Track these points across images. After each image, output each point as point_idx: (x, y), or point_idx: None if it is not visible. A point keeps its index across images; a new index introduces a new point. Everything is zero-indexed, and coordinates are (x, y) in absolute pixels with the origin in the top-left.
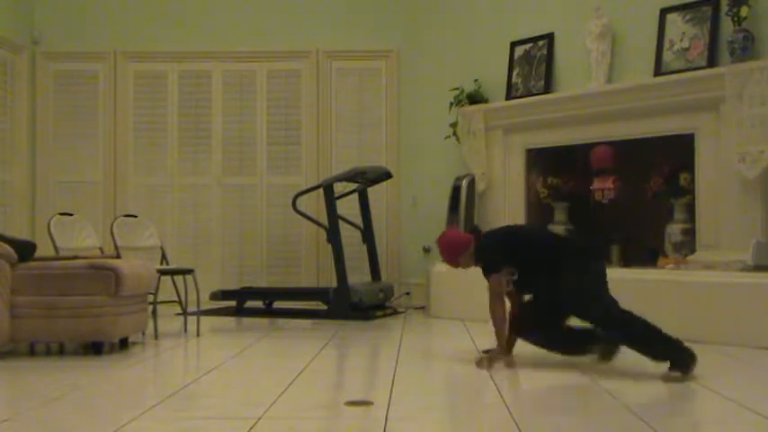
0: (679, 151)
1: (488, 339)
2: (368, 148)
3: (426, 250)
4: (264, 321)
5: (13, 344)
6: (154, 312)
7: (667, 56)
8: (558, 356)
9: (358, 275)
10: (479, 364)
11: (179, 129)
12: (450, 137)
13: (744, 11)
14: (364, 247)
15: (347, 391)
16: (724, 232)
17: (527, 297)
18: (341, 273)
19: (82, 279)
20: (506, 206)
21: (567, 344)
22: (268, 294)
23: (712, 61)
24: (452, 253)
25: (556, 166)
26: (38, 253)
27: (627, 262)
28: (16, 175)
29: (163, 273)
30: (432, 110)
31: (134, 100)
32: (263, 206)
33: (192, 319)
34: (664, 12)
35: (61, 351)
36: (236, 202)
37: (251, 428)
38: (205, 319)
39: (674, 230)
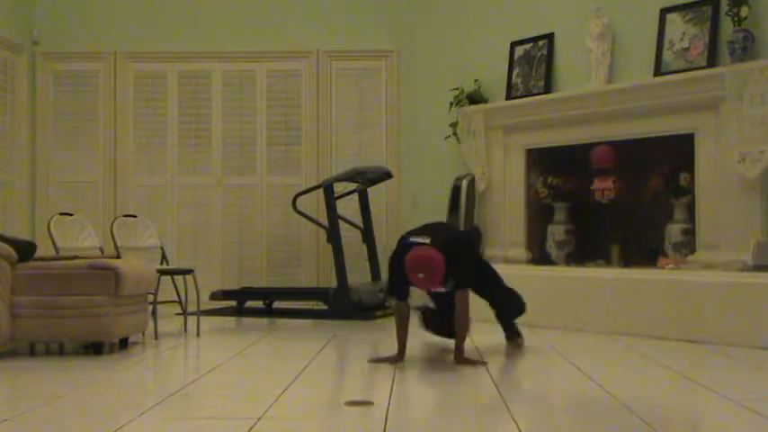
0: (679, 151)
1: (488, 339)
2: (368, 148)
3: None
4: (264, 321)
5: (13, 344)
6: (154, 312)
7: (667, 56)
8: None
9: (358, 275)
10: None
11: (179, 129)
12: (450, 137)
13: (744, 11)
14: (364, 247)
15: (347, 391)
16: (724, 232)
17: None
18: (341, 273)
19: (82, 279)
20: (506, 206)
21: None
22: (268, 294)
23: (712, 61)
24: (437, 274)
25: (556, 166)
26: (38, 253)
27: (627, 262)
28: (16, 176)
29: (163, 273)
30: (432, 110)
31: (134, 100)
32: (263, 206)
33: (192, 319)
34: (664, 12)
35: (61, 351)
36: (236, 202)
37: (251, 428)
38: (205, 319)
39: (674, 230)
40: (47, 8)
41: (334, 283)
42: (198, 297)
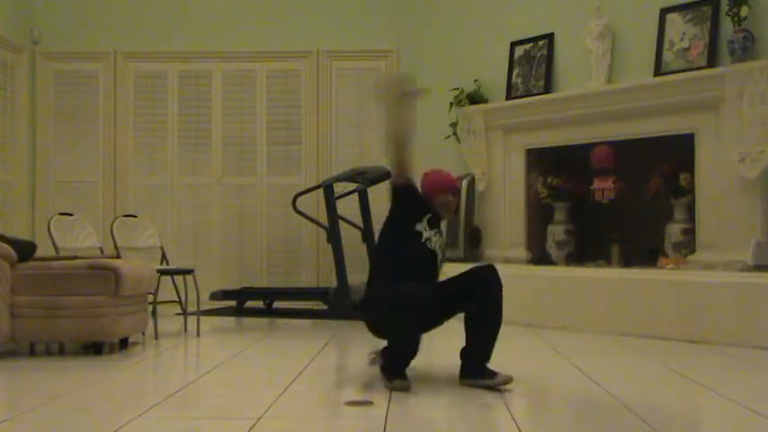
0: (679, 151)
1: None
2: (368, 149)
3: None
4: (264, 321)
5: (13, 344)
6: (154, 312)
7: (667, 56)
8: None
9: (358, 275)
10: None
11: (179, 129)
12: (450, 137)
13: (744, 11)
14: (364, 247)
15: (347, 391)
16: (724, 232)
17: None
18: (341, 273)
19: (82, 279)
20: (506, 206)
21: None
22: (268, 294)
23: (712, 61)
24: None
25: (556, 166)
26: (38, 253)
27: (627, 262)
28: (16, 175)
29: (163, 273)
30: (432, 110)
31: (134, 100)
32: (263, 206)
33: (192, 319)
34: (664, 12)
35: (61, 351)
36: (236, 202)
37: (251, 428)
38: (205, 319)
39: (674, 230)
40: (47, 8)
41: (334, 283)
42: (198, 297)
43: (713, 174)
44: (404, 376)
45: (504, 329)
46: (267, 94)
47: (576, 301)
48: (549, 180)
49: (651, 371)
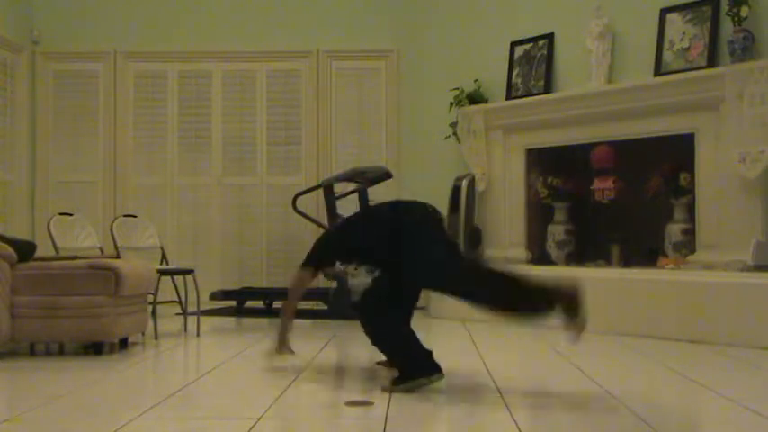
0: (679, 151)
1: (488, 339)
2: (368, 148)
3: None
4: (264, 321)
5: (13, 344)
6: (154, 312)
7: (667, 56)
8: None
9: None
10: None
11: (179, 129)
12: (450, 137)
13: (744, 11)
14: None
15: (347, 391)
16: (724, 232)
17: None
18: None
19: (82, 279)
20: (506, 206)
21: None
22: (268, 294)
23: (712, 61)
24: None
25: (556, 166)
26: (38, 253)
27: (627, 262)
28: (16, 175)
29: (163, 273)
30: (432, 110)
31: (134, 100)
32: (263, 206)
33: (192, 319)
34: (664, 12)
35: (61, 351)
36: (236, 202)
37: (251, 428)
38: (205, 319)
39: (674, 230)
40: (47, 8)
41: (334, 284)
42: (198, 297)
43: (713, 174)
44: (405, 381)
45: (504, 329)
46: (267, 94)
47: None
48: (549, 180)
49: (651, 371)
